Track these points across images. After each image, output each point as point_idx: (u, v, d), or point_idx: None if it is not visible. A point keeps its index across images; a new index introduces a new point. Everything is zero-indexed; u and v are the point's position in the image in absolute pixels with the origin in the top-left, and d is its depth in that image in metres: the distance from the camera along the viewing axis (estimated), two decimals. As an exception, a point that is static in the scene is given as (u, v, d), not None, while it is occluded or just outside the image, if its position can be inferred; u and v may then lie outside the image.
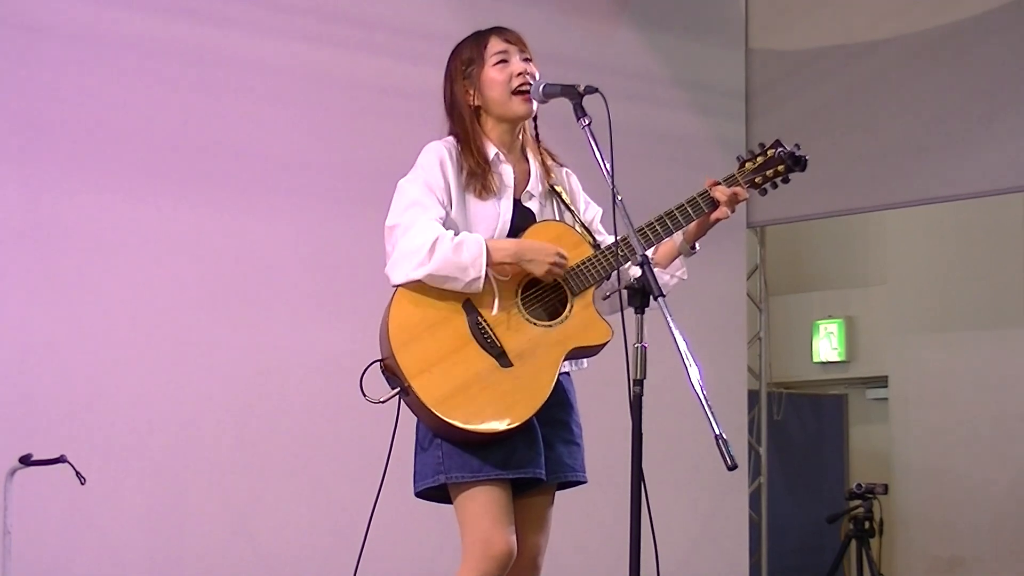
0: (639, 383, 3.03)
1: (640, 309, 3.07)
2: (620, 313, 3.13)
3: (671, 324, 2.96)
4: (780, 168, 3.55)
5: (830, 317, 10.80)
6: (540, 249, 3.41)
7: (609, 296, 3.47)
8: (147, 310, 5.83)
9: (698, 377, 2.90)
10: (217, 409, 5.97)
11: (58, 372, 5.60)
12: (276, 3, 6.31)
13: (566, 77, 3.48)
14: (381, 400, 3.37)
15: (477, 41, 3.59)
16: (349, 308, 5.77)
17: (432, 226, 3.37)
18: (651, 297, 3.05)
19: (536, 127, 3.67)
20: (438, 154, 3.50)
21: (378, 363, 3.40)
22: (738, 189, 3.51)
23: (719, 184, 3.52)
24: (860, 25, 7.99)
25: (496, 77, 3.53)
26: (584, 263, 3.47)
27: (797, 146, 3.57)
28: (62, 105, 5.69)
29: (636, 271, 3.15)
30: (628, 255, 3.39)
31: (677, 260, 3.63)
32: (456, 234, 3.39)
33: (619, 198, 3.20)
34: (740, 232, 8.29)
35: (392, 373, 3.37)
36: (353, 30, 6.54)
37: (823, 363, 10.84)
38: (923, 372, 9.91)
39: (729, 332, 8.10)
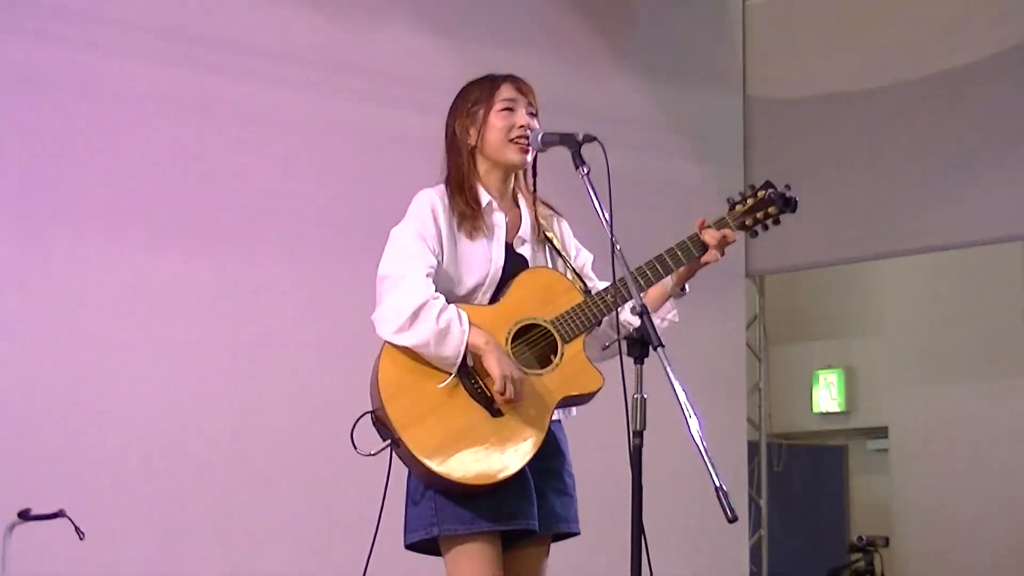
0: (639, 434, 3.01)
1: (639, 359, 3.05)
2: (620, 364, 3.12)
3: (670, 374, 2.95)
4: (771, 210, 3.54)
5: (830, 367, 10.80)
6: (503, 363, 3.35)
7: (609, 347, 3.46)
8: (145, 362, 5.82)
9: (698, 428, 2.89)
10: (215, 461, 5.96)
11: (57, 426, 5.58)
12: (275, 53, 6.35)
13: (564, 125, 3.49)
14: (372, 453, 3.36)
15: (489, 84, 3.60)
16: (345, 356, 5.75)
17: (420, 286, 3.36)
18: (650, 347, 3.04)
19: (535, 178, 3.67)
20: (430, 202, 3.50)
21: (369, 415, 3.39)
22: (727, 232, 3.51)
23: (709, 227, 3.52)
24: (858, 72, 8.03)
25: (497, 123, 3.54)
26: (574, 309, 3.46)
27: (788, 187, 3.56)
28: (61, 155, 5.71)
29: (634, 320, 3.14)
30: (618, 300, 3.40)
31: (667, 303, 3.60)
32: (440, 290, 3.39)
33: (618, 247, 3.20)
34: (739, 281, 8.29)
35: (383, 425, 3.36)
36: (353, 79, 6.58)
37: (823, 414, 10.83)
38: (924, 423, 9.90)
39: (728, 382, 8.08)
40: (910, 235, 7.85)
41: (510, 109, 3.55)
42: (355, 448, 3.35)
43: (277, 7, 6.39)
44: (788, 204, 3.54)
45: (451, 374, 3.34)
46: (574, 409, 3.59)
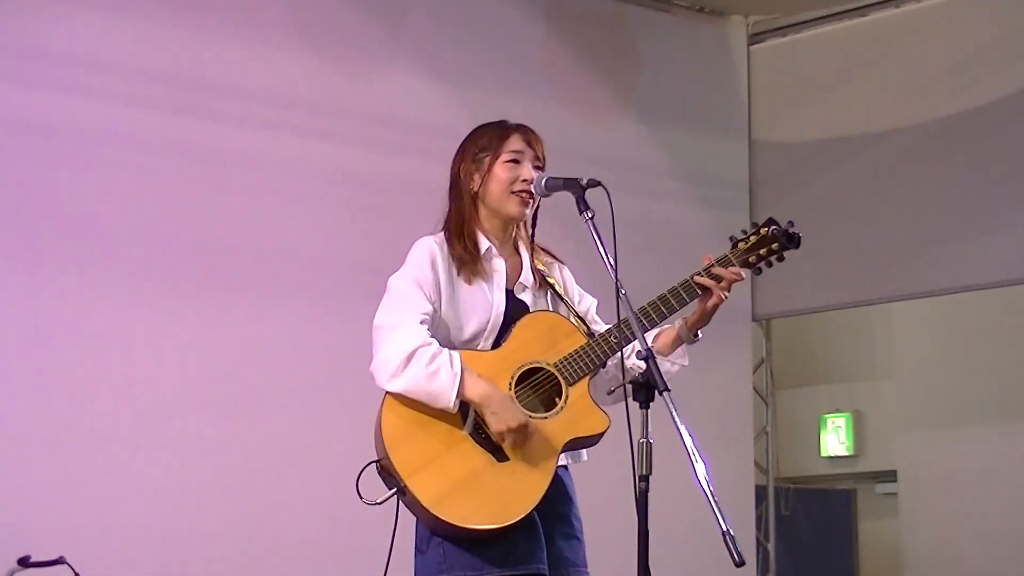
0: (645, 479, 3.02)
1: (645, 404, 3.06)
2: (625, 408, 3.12)
3: (676, 419, 2.95)
4: (774, 246, 3.55)
5: (837, 411, 10.76)
6: (508, 410, 3.38)
7: (614, 391, 3.46)
8: (146, 409, 5.81)
9: (704, 472, 2.88)
10: (218, 509, 5.94)
11: (57, 473, 5.59)
12: (274, 98, 6.36)
13: (569, 170, 3.51)
14: (378, 501, 3.36)
15: (499, 132, 3.62)
16: (349, 404, 5.74)
17: (413, 333, 3.38)
18: (656, 391, 3.05)
19: (534, 227, 3.70)
20: (428, 250, 3.53)
21: (374, 464, 3.40)
22: (733, 269, 3.53)
23: (712, 265, 3.53)
24: (864, 116, 8.04)
25: (501, 174, 3.57)
26: (578, 352, 3.48)
27: (791, 223, 3.58)
28: (60, 203, 5.73)
29: (640, 364, 3.15)
30: (622, 341, 3.42)
31: (680, 348, 3.62)
32: (440, 337, 3.42)
33: (623, 291, 3.21)
34: (745, 325, 8.29)
35: (388, 473, 3.36)
36: (355, 125, 6.59)
37: (831, 457, 10.77)
38: (933, 466, 9.84)
39: (735, 426, 8.07)
40: (919, 278, 7.84)
41: (516, 161, 3.58)
42: (360, 497, 3.36)
43: (276, 51, 6.40)
44: (791, 240, 3.55)
45: (461, 419, 3.35)
46: (584, 453, 3.60)
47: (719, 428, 7.65)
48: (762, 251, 3.55)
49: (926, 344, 10.12)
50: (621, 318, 3.35)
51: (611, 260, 3.25)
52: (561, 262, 3.77)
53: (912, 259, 7.78)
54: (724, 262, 3.54)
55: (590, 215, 3.31)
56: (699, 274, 3.52)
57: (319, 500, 6.04)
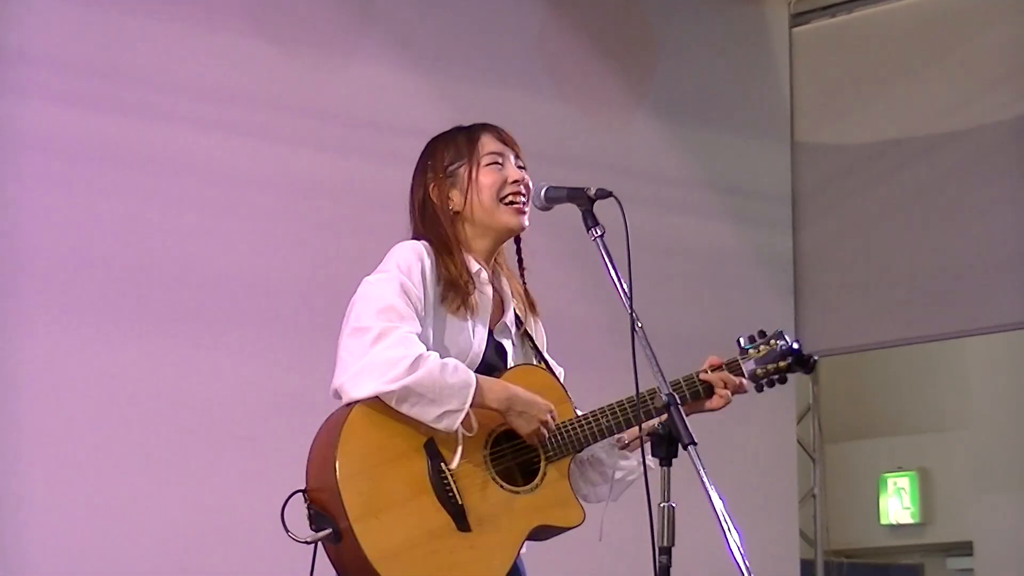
0: (666, 551, 3.02)
1: (666, 460, 3.07)
2: (643, 466, 3.13)
3: (705, 479, 2.95)
4: (781, 364, 3.60)
5: (900, 470, 10.75)
6: (533, 403, 3.44)
7: (628, 444, 3.47)
8: (57, 457, 5.85)
9: (738, 544, 2.89)
10: (184, 549, 6.01)
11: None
12: (221, 93, 6.35)
13: (573, 178, 3.52)
14: (308, 540, 3.34)
15: (466, 137, 3.64)
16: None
17: (416, 341, 3.38)
18: (680, 445, 3.05)
19: (520, 254, 3.72)
20: (417, 256, 3.52)
21: (302, 493, 3.38)
22: (742, 379, 3.58)
23: (721, 368, 3.57)
24: (928, 114, 8.04)
25: (487, 181, 3.58)
26: (566, 426, 3.50)
27: (798, 342, 3.63)
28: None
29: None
30: (619, 425, 3.47)
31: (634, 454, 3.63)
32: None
33: (638, 325, 3.21)
34: (788, 366, 8.28)
35: (324, 509, 3.33)
36: (316, 125, 6.57)
37: (893, 526, 10.77)
38: (1014, 536, 9.85)
39: (776, 488, 8.07)
40: (996, 310, 7.83)
41: (498, 163, 3.60)
42: (287, 531, 3.35)
43: (223, 37, 6.39)
44: (803, 364, 3.61)
45: (459, 410, 3.35)
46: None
47: (757, 490, 7.64)
48: (769, 366, 3.61)
49: (1006, 389, 10.13)
50: (625, 399, 3.42)
51: (624, 286, 3.26)
52: (536, 315, 3.77)
53: (987, 286, 7.77)
54: (733, 368, 3.60)
55: (599, 232, 3.33)
56: (705, 372, 3.57)
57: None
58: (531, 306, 3.74)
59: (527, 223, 3.61)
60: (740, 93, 8.28)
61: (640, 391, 3.31)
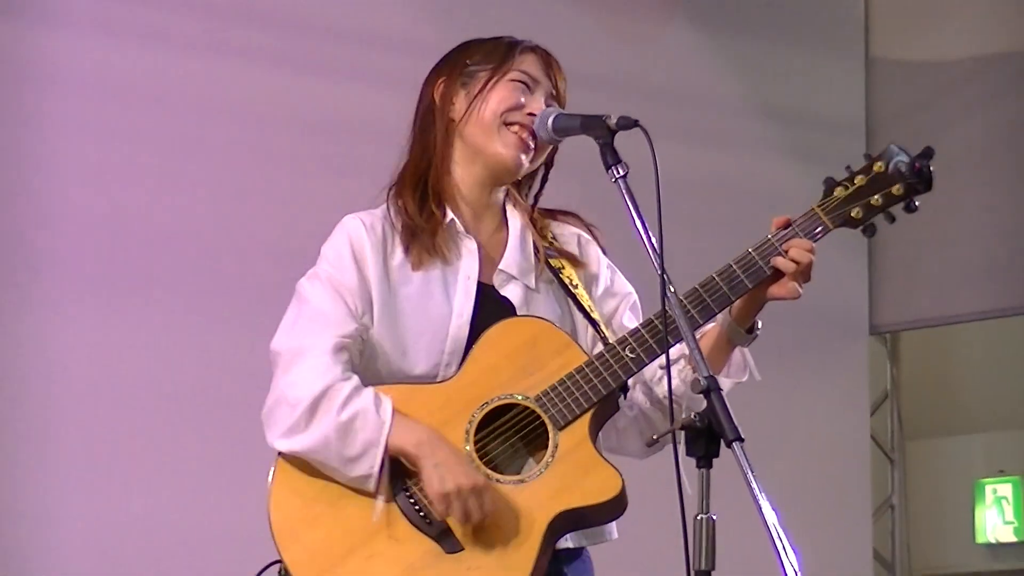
0: (704, 575, 3.00)
1: (705, 461, 3.04)
2: (676, 467, 3.10)
3: (754, 485, 2.93)
4: (895, 190, 3.52)
5: (1002, 474, 10.77)
6: (457, 464, 3.37)
7: (658, 440, 3.44)
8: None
9: (796, 566, 2.87)
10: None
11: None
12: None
13: (591, 103, 3.52)
14: None
15: (507, 46, 3.66)
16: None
17: (324, 365, 3.39)
18: (723, 442, 3.03)
19: (542, 185, 3.73)
20: (348, 236, 3.55)
21: (276, 565, 3.43)
22: (810, 244, 3.48)
23: (790, 228, 3.50)
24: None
25: (499, 96, 3.59)
26: (572, 377, 3.46)
27: (928, 153, 3.52)
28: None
29: (692, 395, 3.13)
30: (645, 353, 3.41)
31: (735, 355, 3.59)
32: (374, 369, 3.45)
33: (671, 289, 3.19)
34: (860, 343, 8.31)
35: None
36: (270, 36, 6.60)
37: (991, 544, 10.79)
38: None
39: (845, 496, 8.11)
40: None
41: (526, 85, 3.60)
42: None
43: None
44: (922, 179, 3.51)
45: (370, 475, 3.34)
46: (614, 530, 3.58)
47: (820, 498, 7.66)
48: (875, 198, 3.51)
49: None
50: (652, 315, 3.37)
51: (654, 240, 3.23)
52: (588, 230, 3.77)
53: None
54: (808, 223, 3.51)
55: (622, 171, 3.30)
56: (770, 246, 3.49)
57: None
58: (571, 219, 3.76)
59: (525, 165, 3.60)
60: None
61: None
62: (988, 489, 10.76)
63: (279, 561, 3.40)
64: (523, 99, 3.60)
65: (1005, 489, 10.70)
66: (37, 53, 6.20)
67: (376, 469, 3.34)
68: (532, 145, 3.58)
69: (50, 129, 6.17)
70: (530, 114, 3.58)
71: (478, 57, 3.65)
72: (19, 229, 6.07)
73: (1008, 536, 10.68)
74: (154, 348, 6.27)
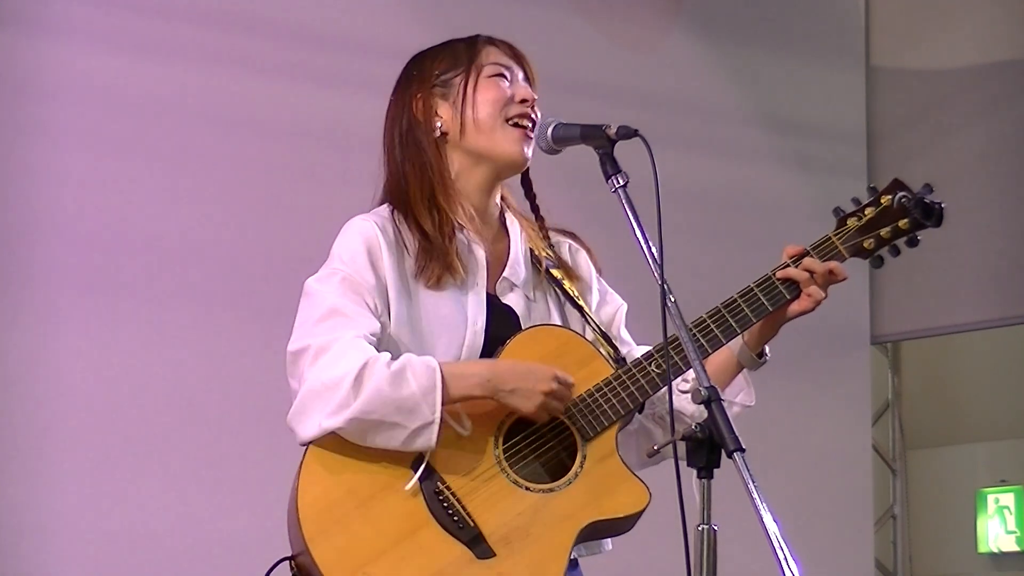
0: (705, 588, 3.01)
1: (707, 471, 3.04)
2: (676, 477, 3.10)
3: (756, 496, 2.93)
4: (902, 224, 3.56)
5: (1004, 483, 10.76)
6: (526, 372, 3.41)
7: (658, 451, 3.45)
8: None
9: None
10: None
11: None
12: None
13: (591, 112, 3.51)
14: None
15: (465, 46, 3.66)
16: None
17: (358, 346, 3.38)
18: (724, 452, 3.03)
19: (533, 191, 3.73)
20: (363, 237, 3.53)
21: (288, 562, 3.42)
22: (834, 264, 3.53)
23: (806, 255, 3.53)
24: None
25: (488, 96, 3.59)
26: (600, 389, 3.48)
27: (928, 187, 3.58)
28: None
29: (695, 409, 3.13)
30: (669, 373, 3.40)
31: (739, 377, 3.63)
32: (394, 358, 3.40)
33: (671, 298, 3.19)
34: (861, 352, 8.31)
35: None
36: (259, 44, 6.60)
37: (993, 554, 10.78)
38: None
39: (847, 505, 8.09)
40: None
41: (503, 76, 3.61)
42: None
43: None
44: (930, 215, 3.55)
45: (431, 423, 3.33)
46: (609, 542, 3.60)
47: (822, 508, 7.66)
48: (884, 231, 3.56)
49: None
50: (669, 336, 3.34)
51: (654, 249, 3.23)
52: (577, 241, 3.78)
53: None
54: (824, 249, 3.55)
55: (622, 181, 3.31)
56: (785, 266, 3.53)
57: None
58: (567, 236, 3.77)
59: (531, 156, 3.61)
60: (802, 4, 8.29)
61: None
62: (990, 498, 10.75)
63: (287, 558, 3.40)
64: (508, 89, 3.61)
65: (1007, 498, 10.69)
66: (34, 63, 6.18)
67: (437, 416, 3.32)
68: (531, 138, 3.59)
69: (47, 139, 6.16)
70: (523, 100, 3.59)
71: (444, 65, 3.65)
72: (15, 238, 6.05)
73: (1010, 546, 10.67)
74: (150, 356, 6.26)
